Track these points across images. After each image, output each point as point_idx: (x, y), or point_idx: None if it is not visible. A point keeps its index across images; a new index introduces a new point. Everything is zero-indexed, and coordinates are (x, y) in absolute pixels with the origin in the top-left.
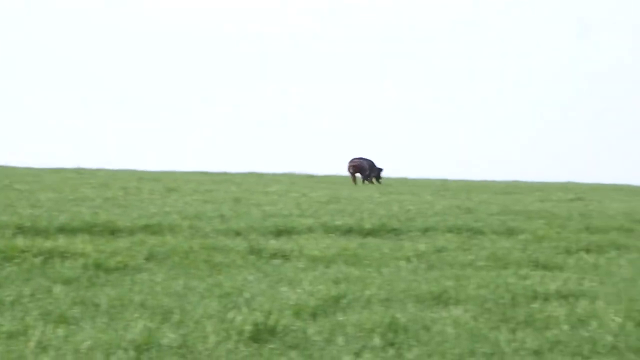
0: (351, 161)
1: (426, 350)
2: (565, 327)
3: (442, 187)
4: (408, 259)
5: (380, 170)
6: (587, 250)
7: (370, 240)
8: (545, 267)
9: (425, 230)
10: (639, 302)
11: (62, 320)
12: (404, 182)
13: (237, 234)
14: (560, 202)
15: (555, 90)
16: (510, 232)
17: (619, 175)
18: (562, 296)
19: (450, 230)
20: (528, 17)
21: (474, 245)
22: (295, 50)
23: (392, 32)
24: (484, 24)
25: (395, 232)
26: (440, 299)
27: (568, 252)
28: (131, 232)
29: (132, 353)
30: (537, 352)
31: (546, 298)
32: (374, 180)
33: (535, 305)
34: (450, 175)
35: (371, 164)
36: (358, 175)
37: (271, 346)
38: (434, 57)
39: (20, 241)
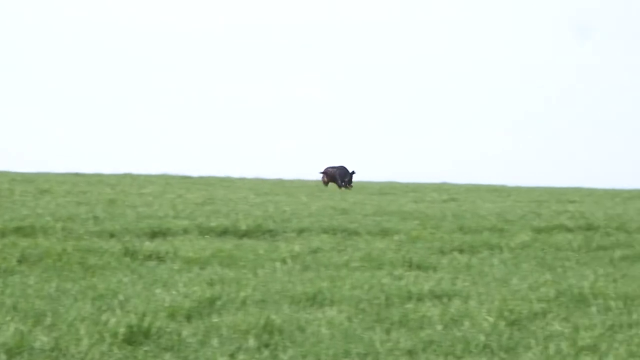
0: (324, 170)
1: (301, 352)
2: (439, 327)
3: (318, 188)
4: (283, 260)
5: (352, 174)
6: (461, 251)
7: (246, 241)
8: (419, 267)
9: (301, 231)
10: (510, 302)
11: None
12: (279, 183)
13: (112, 235)
14: (434, 202)
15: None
16: (385, 233)
17: (493, 177)
18: (436, 296)
19: (325, 231)
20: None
21: (348, 246)
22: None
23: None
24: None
25: (271, 233)
26: (315, 300)
27: (442, 252)
28: (3, 234)
29: (3, 357)
30: (411, 352)
31: (420, 298)
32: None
33: (410, 305)
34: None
35: (344, 171)
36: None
37: (145, 348)
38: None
39: None
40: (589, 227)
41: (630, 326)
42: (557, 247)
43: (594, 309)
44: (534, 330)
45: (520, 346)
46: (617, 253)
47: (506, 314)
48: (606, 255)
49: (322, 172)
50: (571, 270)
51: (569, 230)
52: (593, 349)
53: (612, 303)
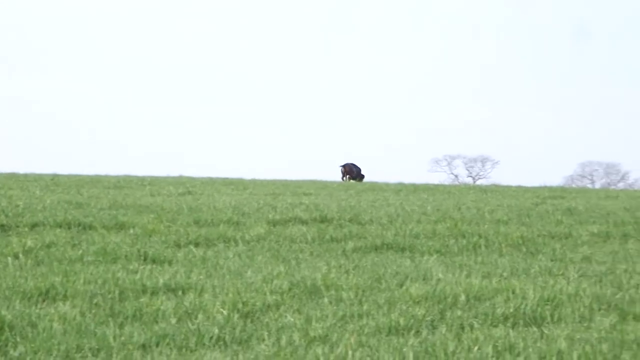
0: (343, 166)
1: (32, 348)
2: (173, 320)
3: (53, 182)
4: (15, 255)
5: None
6: (196, 244)
7: None
8: (155, 261)
9: (34, 226)
10: (244, 294)
11: None
12: (13, 177)
13: None
14: (171, 196)
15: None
16: (121, 227)
17: (231, 170)
18: (171, 289)
19: (59, 226)
20: None
21: (83, 240)
22: None
23: None
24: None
25: (3, 228)
26: (48, 295)
27: (177, 245)
28: None
29: None
30: (144, 346)
31: (154, 292)
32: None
33: (144, 299)
34: (62, 170)
35: (358, 168)
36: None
37: None
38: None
39: None
40: (323, 220)
41: (361, 316)
42: (291, 239)
43: (326, 300)
44: (267, 322)
45: (253, 338)
46: (350, 245)
47: (240, 306)
48: (339, 247)
49: (342, 166)
50: (305, 262)
51: (303, 222)
52: (324, 339)
53: (344, 294)
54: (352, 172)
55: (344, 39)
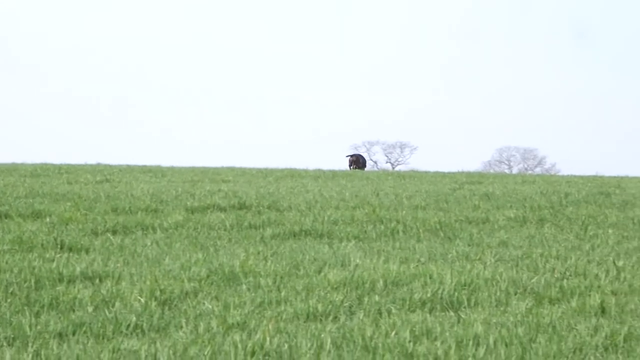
0: (351, 156)
1: None
2: (90, 308)
3: None
4: None
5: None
6: (114, 232)
7: None
8: (71, 249)
9: None
10: (162, 282)
11: None
12: None
13: None
14: (88, 184)
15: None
16: (37, 215)
17: (149, 158)
18: (88, 278)
19: None
20: None
21: None
22: None
23: None
24: None
25: None
26: None
27: (95, 233)
28: None
29: None
30: (61, 335)
31: (71, 280)
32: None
33: (60, 287)
34: None
35: (364, 159)
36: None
37: None
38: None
39: None
40: (242, 206)
41: (279, 303)
42: (210, 226)
43: (244, 287)
44: (185, 309)
45: (171, 326)
46: (268, 231)
47: (158, 294)
48: (257, 234)
49: (350, 156)
50: (223, 249)
51: (221, 209)
52: (242, 326)
53: (263, 281)
54: (358, 162)
55: (256, 23)
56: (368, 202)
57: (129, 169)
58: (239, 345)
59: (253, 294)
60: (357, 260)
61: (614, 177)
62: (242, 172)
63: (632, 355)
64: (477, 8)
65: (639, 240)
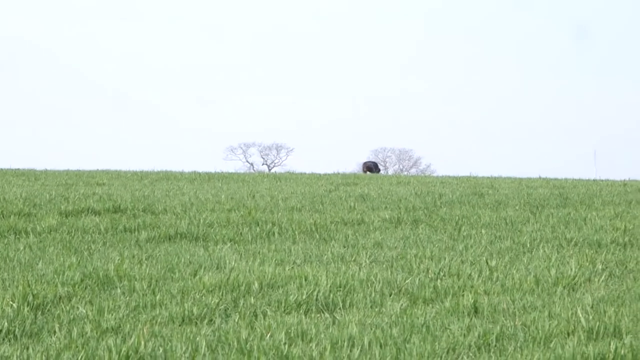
0: (365, 163)
1: None
2: None
3: None
4: None
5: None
6: None
7: None
8: None
9: None
10: (35, 287)
11: None
12: None
13: None
14: None
15: None
16: None
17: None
18: None
19: None
20: None
21: None
22: None
23: None
24: None
25: None
26: None
27: None
28: None
29: None
30: None
31: None
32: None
33: None
34: None
35: (378, 167)
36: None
37: None
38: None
39: None
40: (116, 210)
41: (154, 306)
42: (84, 230)
43: (119, 290)
44: (59, 314)
45: (44, 331)
46: (143, 235)
47: (30, 299)
48: (132, 237)
49: (364, 164)
50: (97, 252)
51: (96, 213)
52: (117, 330)
53: (137, 284)
54: (371, 169)
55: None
56: (244, 205)
57: (1, 173)
58: (113, 350)
59: (128, 298)
60: (233, 263)
61: (488, 177)
62: (117, 175)
63: (504, 355)
64: (325, 16)
65: (511, 240)
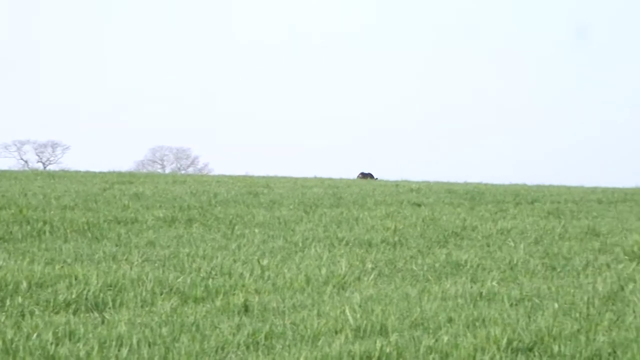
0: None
1: None
2: None
3: None
4: None
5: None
6: None
7: None
8: None
9: None
10: None
11: None
12: None
13: None
14: None
15: None
16: None
17: None
18: None
19: None
20: None
21: None
22: None
23: None
24: None
25: None
26: None
27: None
28: None
29: None
30: None
31: None
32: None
33: None
34: None
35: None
36: None
37: None
38: None
39: None
40: None
41: None
42: None
43: None
44: None
45: None
46: None
47: None
48: None
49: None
50: None
51: None
52: None
53: None
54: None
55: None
56: (15, 202)
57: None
58: None
59: None
60: (1, 262)
61: (264, 177)
62: None
63: (272, 353)
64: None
65: (284, 239)
